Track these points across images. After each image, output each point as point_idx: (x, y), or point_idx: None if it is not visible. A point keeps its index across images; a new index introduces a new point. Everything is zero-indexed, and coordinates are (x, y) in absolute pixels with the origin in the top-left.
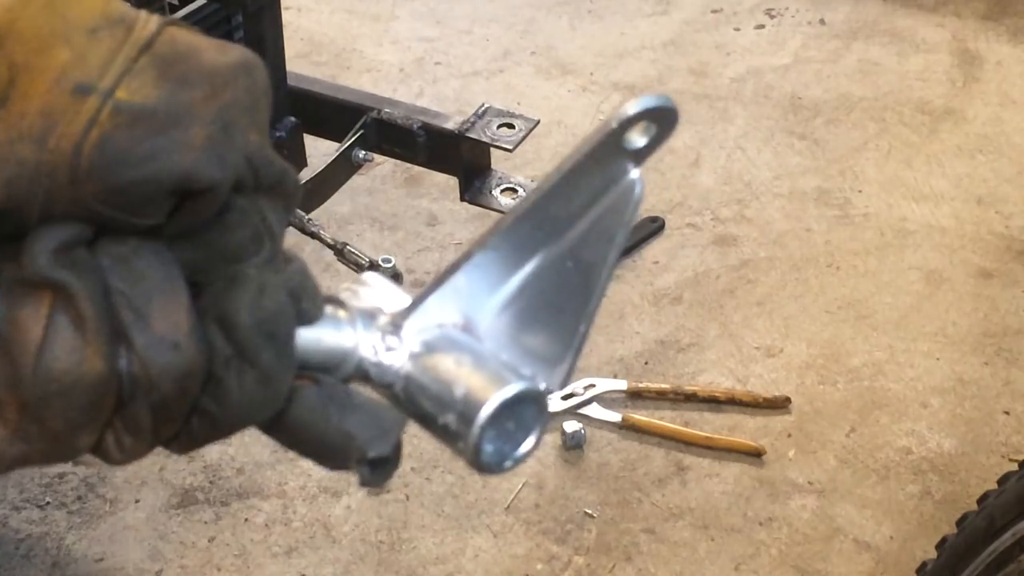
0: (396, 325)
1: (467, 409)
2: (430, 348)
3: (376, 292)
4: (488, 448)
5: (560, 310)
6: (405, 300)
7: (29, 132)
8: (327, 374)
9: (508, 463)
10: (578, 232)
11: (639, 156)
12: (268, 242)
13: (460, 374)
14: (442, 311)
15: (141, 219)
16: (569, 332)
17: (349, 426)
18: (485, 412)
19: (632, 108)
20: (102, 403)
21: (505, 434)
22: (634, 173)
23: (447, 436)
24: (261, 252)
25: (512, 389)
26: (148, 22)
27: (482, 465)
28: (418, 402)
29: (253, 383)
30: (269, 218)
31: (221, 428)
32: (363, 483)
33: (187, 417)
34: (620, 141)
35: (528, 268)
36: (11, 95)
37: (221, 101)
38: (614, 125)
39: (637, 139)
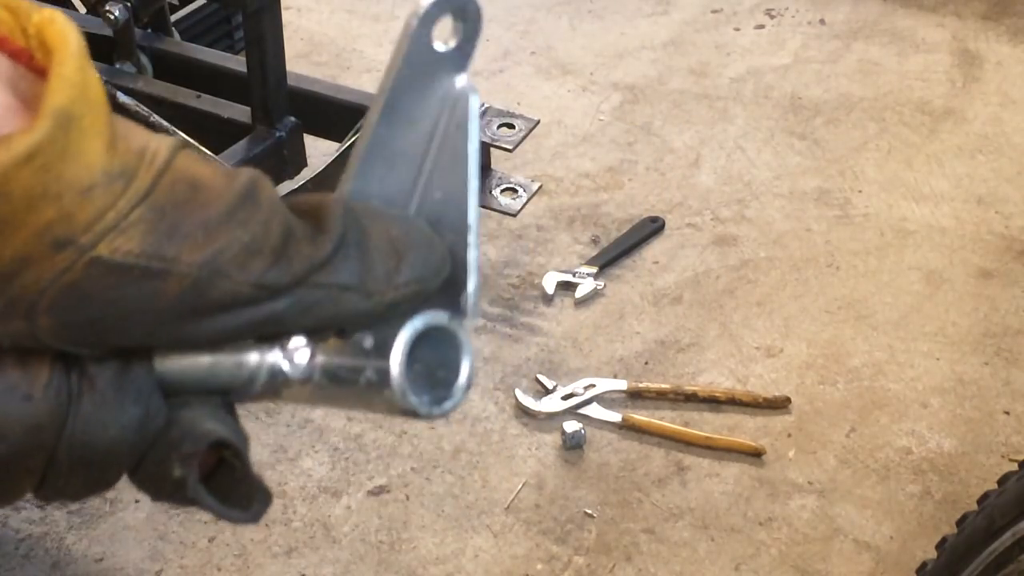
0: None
1: (381, 353)
2: None
3: None
4: (421, 395)
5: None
6: None
7: None
8: (236, 394)
9: (448, 403)
10: (433, 160)
11: (458, 61)
12: None
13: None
14: None
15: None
16: (461, 260)
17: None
18: (398, 346)
19: (425, 1)
20: None
21: (436, 381)
22: (461, 80)
23: (374, 393)
24: None
25: (417, 322)
26: (152, 163)
27: (419, 408)
28: (339, 379)
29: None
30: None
31: (79, 479)
32: (212, 512)
33: (46, 468)
34: (429, 47)
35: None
36: None
37: (211, 248)
38: (413, 23)
39: (447, 40)
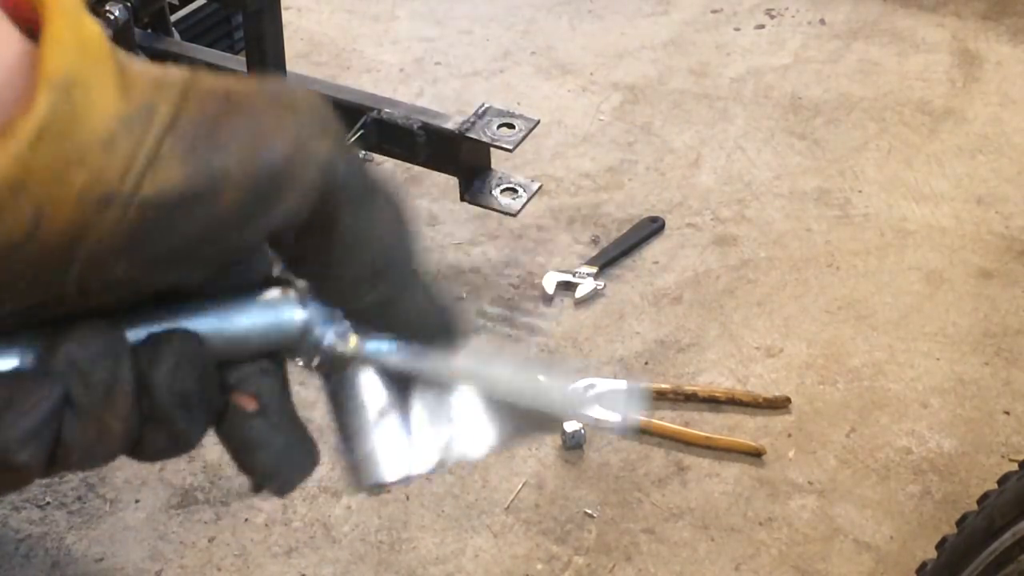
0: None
1: (368, 462)
2: (374, 355)
3: None
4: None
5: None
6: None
7: (57, 248)
8: (274, 355)
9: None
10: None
11: None
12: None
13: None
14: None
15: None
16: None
17: (259, 460)
18: (379, 479)
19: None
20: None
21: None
22: None
23: (341, 447)
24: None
25: (403, 473)
26: (171, 90)
27: (359, 487)
28: (341, 406)
29: (165, 442)
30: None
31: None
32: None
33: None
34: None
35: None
36: (40, 228)
37: (260, 150)
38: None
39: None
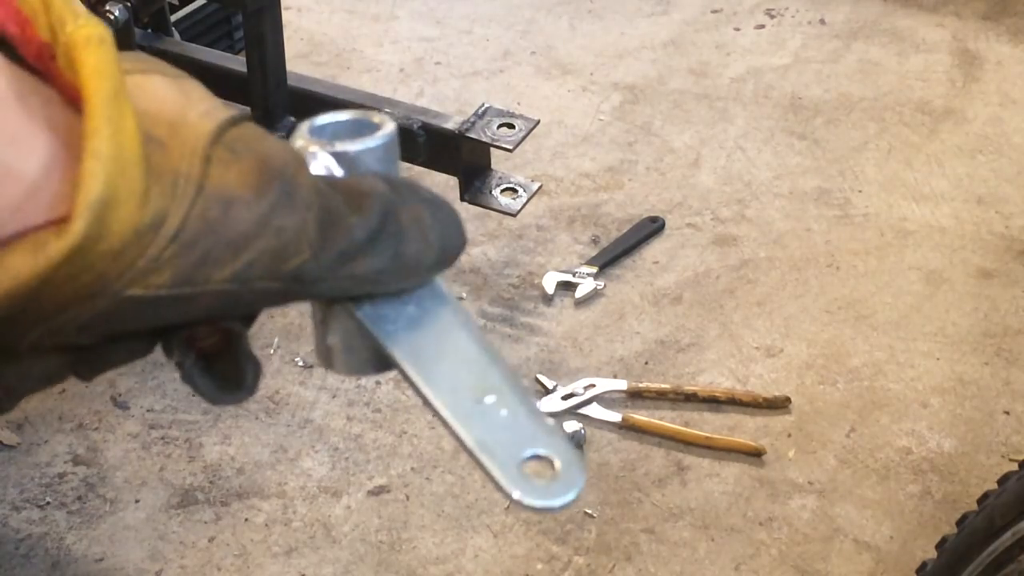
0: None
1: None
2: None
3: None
4: None
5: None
6: None
7: (31, 319)
8: None
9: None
10: None
11: None
12: None
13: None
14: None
15: None
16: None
17: None
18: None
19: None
20: None
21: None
22: None
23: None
24: None
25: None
26: (184, 195)
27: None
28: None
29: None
30: None
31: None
32: (204, 397)
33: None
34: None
35: None
36: (26, 311)
37: (240, 262)
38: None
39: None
